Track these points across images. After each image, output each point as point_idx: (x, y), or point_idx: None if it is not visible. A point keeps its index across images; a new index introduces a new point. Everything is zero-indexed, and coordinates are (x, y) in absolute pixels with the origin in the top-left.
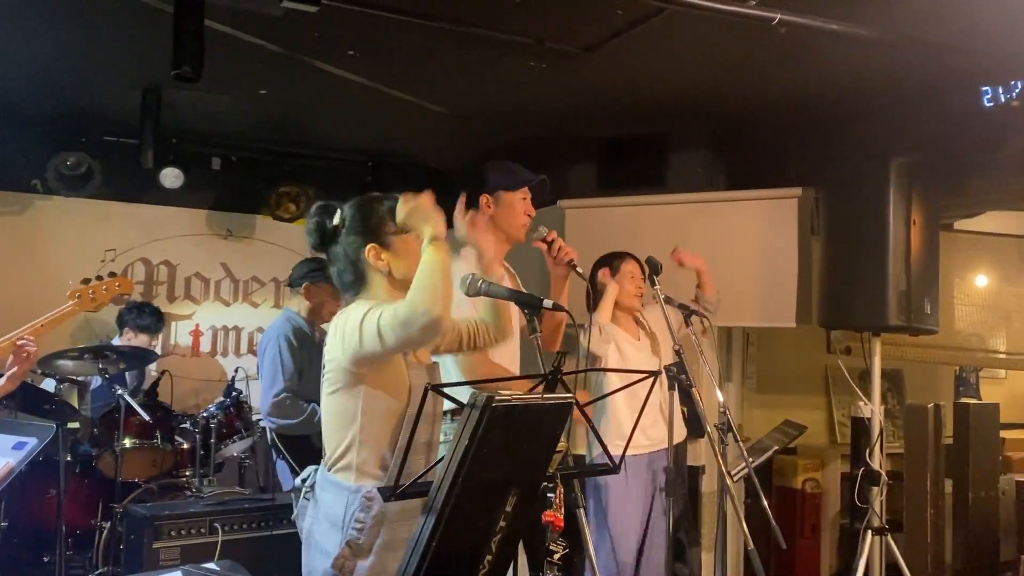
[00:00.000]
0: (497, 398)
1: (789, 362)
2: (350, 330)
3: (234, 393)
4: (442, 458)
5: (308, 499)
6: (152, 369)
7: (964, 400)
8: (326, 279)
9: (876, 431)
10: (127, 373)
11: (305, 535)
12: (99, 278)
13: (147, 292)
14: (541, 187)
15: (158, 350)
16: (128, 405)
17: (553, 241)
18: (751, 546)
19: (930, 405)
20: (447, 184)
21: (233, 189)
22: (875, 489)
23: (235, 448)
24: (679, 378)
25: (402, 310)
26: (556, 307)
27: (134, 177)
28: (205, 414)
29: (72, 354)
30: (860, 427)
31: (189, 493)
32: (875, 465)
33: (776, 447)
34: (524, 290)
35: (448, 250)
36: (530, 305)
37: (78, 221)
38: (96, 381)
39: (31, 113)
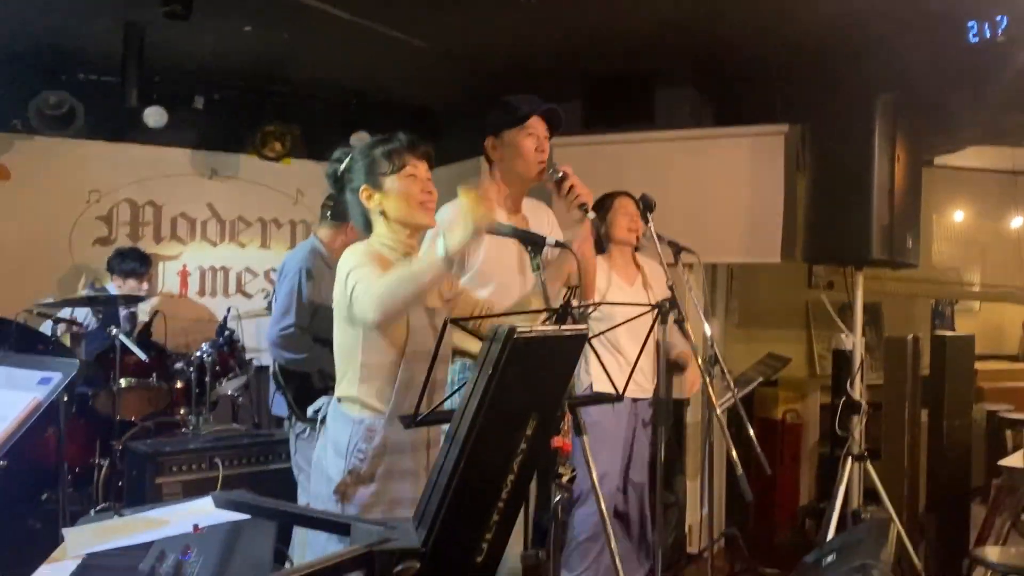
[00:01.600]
0: (519, 330)
1: (770, 297)
2: (339, 280)
3: (227, 332)
4: (460, 387)
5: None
6: (145, 309)
7: (941, 332)
8: None
9: (858, 362)
10: (121, 315)
11: (314, 461)
12: None
13: (133, 233)
14: (552, 117)
15: (146, 292)
16: (124, 345)
17: (564, 178)
18: (740, 471)
19: (909, 337)
20: (431, 121)
21: (217, 128)
22: (855, 418)
23: (229, 386)
24: (672, 312)
25: (378, 289)
26: (559, 244)
27: (117, 116)
28: (199, 353)
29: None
30: (842, 359)
31: (185, 430)
32: (856, 395)
33: (760, 378)
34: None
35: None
36: (532, 243)
37: (61, 162)
38: (91, 324)
39: (10, 52)
